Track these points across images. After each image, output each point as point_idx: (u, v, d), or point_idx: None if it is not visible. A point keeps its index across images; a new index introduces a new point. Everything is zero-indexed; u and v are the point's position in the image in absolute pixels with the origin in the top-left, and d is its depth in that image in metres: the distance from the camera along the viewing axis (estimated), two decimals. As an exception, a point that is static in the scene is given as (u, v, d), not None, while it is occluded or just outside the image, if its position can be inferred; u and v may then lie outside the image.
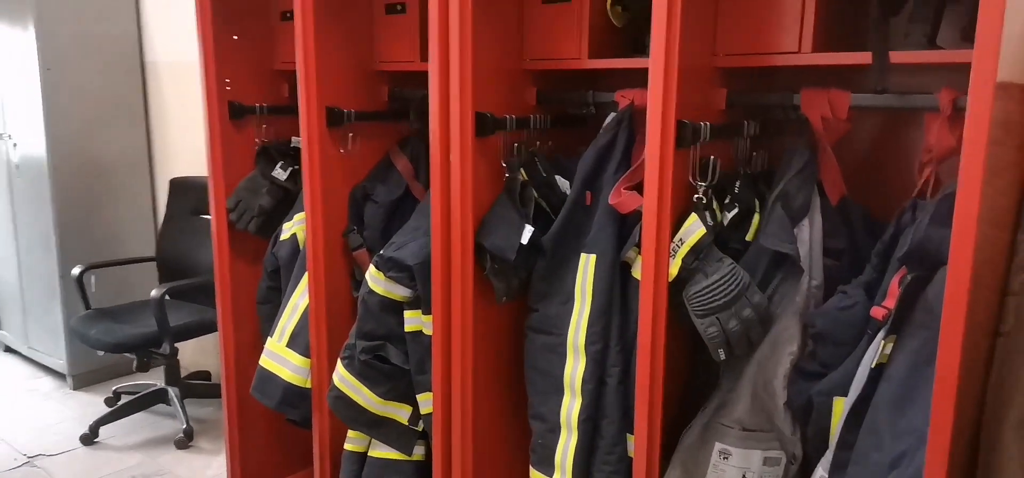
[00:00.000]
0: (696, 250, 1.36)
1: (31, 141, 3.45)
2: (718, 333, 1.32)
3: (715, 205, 1.42)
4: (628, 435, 1.63)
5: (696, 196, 1.39)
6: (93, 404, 3.42)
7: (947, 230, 1.13)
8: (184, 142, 3.53)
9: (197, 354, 3.65)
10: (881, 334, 1.24)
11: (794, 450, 1.44)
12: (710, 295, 1.33)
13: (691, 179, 1.39)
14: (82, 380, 3.61)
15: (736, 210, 1.45)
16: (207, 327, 3.12)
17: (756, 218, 1.47)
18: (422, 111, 2.03)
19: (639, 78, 1.68)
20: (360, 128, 2.02)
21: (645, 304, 1.36)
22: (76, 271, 3.19)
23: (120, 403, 3.28)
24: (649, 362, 1.37)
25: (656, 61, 1.26)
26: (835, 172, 1.39)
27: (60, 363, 3.60)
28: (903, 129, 1.48)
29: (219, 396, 3.41)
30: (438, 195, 1.65)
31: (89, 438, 3.05)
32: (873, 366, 1.22)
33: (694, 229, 1.37)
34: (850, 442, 1.27)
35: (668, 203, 1.31)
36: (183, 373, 3.32)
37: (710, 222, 1.38)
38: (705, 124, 1.35)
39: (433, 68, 1.60)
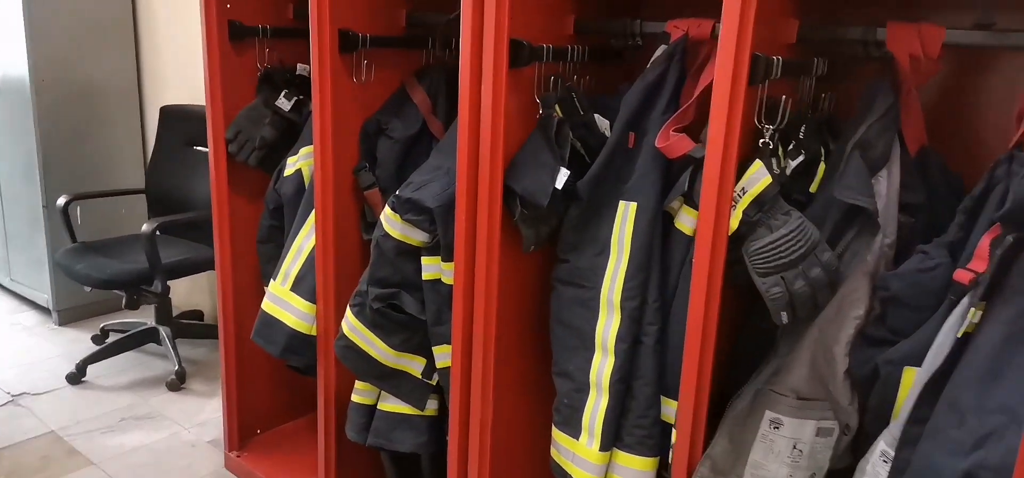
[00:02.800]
0: (759, 201, 1.23)
1: (12, 61, 3.24)
2: (782, 294, 1.19)
3: (780, 151, 1.27)
4: (664, 398, 1.52)
5: (762, 141, 1.25)
6: (80, 341, 3.29)
7: (1058, 187, 0.99)
8: (177, 67, 3.33)
9: (190, 292, 3.51)
10: (966, 300, 1.12)
11: (849, 421, 1.32)
12: (775, 252, 1.19)
13: (757, 121, 1.24)
14: (68, 316, 3.47)
15: (801, 157, 1.31)
16: (201, 265, 2.97)
17: (822, 167, 1.33)
18: (447, 38, 1.89)
19: (689, 6, 1.54)
20: (375, 55, 1.85)
21: (701, 261, 1.23)
22: (61, 201, 3.02)
23: (108, 341, 3.15)
24: (701, 325, 1.25)
25: (733, -16, 1.10)
26: (918, 119, 1.25)
27: (44, 297, 3.45)
28: (995, 72, 1.33)
29: (213, 337, 3.32)
30: (466, 131, 1.50)
31: (76, 377, 2.92)
32: (959, 335, 1.09)
33: (759, 177, 1.23)
34: (924, 417, 1.15)
35: (735, 147, 1.17)
36: (175, 312, 3.19)
37: (776, 170, 1.24)
38: (777, 59, 1.20)
39: (466, -13, 1.43)
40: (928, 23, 1.18)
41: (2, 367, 3.02)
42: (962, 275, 1.12)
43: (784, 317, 1.21)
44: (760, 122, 1.24)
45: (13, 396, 2.80)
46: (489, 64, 1.44)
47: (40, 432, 2.57)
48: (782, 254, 1.19)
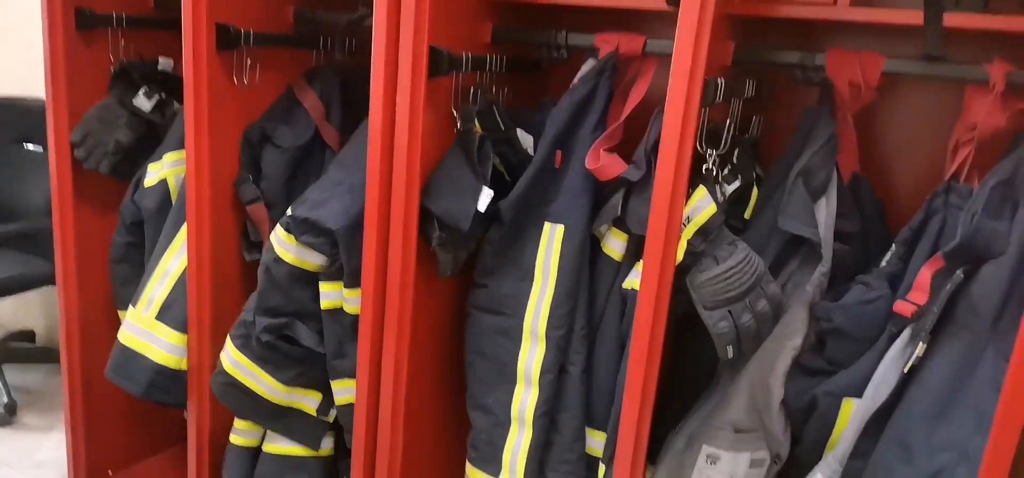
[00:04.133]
0: (705, 230, 1.17)
1: None
2: (729, 328, 1.14)
3: (720, 177, 1.23)
4: (589, 429, 1.44)
5: (705, 166, 1.19)
6: None
7: (1000, 223, 1.00)
8: (2, 54, 2.86)
9: (17, 309, 3.05)
10: (907, 333, 1.12)
11: (780, 450, 1.31)
12: (722, 284, 1.14)
13: (699, 146, 1.18)
14: None
15: (737, 183, 1.27)
16: (33, 281, 2.56)
17: (755, 193, 1.30)
18: (349, 39, 1.70)
19: (611, 19, 1.47)
20: (258, 54, 1.63)
21: (647, 293, 1.15)
22: None
23: (-86, 372, 2.65)
24: (644, 363, 1.17)
25: (690, 3, 1.03)
26: (852, 146, 1.25)
27: None
28: (929, 101, 1.35)
29: (47, 361, 2.89)
30: (378, 147, 1.34)
31: None
32: (904, 370, 1.09)
33: (702, 206, 1.17)
34: (866, 450, 1.14)
35: (685, 173, 1.10)
36: (0, 333, 2.74)
37: (720, 198, 1.18)
38: (721, 81, 1.14)
39: (382, -14, 1.27)
40: (869, 52, 1.16)
41: None
42: (903, 307, 1.12)
43: (730, 352, 1.16)
44: (702, 147, 1.19)
45: None
46: (406, 73, 1.29)
47: None
48: (730, 287, 1.14)
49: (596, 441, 1.43)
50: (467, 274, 1.48)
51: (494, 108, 1.43)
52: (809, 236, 1.15)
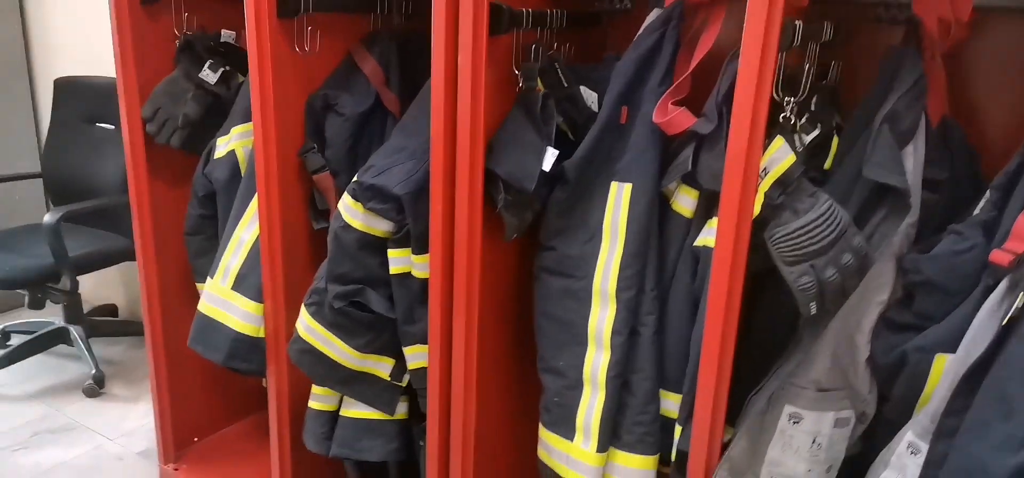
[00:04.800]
0: (783, 182, 1.12)
1: None
2: (812, 283, 1.09)
3: (798, 126, 1.17)
4: (663, 391, 1.42)
5: (783, 115, 1.13)
6: (-25, 346, 2.93)
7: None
8: (70, 34, 2.95)
9: (99, 285, 3.18)
10: (1005, 284, 1.05)
11: (866, 409, 1.25)
12: (804, 238, 1.09)
13: (776, 93, 1.12)
14: (-41, 317, 3.09)
15: (817, 132, 1.20)
16: (113, 257, 2.67)
17: (835, 141, 1.24)
18: (406, 1, 1.69)
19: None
20: (319, 20, 1.63)
21: (723, 249, 1.11)
22: (-57, 192, 2.65)
23: (12, 345, 2.81)
24: (722, 322, 1.13)
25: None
26: (941, 88, 1.17)
27: (-70, 298, 3.06)
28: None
29: (130, 334, 3.03)
30: (441, 109, 1.32)
31: (-25, 389, 2.60)
32: (1003, 322, 1.02)
33: (781, 156, 1.12)
34: (961, 408, 1.08)
35: (763, 122, 1.04)
36: (85, 308, 2.87)
37: (798, 147, 1.13)
38: (799, 23, 1.08)
39: (439, -56, 1.24)
40: (958, -17, 1.08)
41: None
42: (1000, 256, 1.04)
43: (813, 308, 1.11)
44: (779, 94, 1.13)
45: (-100, 416, 2.45)
46: (467, 32, 1.26)
47: (-63, 456, 2.26)
48: (812, 241, 1.08)
49: (671, 403, 1.40)
50: (533, 235, 1.46)
51: (556, 65, 1.39)
52: (896, 184, 1.09)
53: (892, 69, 1.14)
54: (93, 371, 2.63)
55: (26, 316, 3.08)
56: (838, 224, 1.09)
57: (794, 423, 1.23)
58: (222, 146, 1.81)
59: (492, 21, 1.27)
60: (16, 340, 2.86)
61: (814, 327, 1.18)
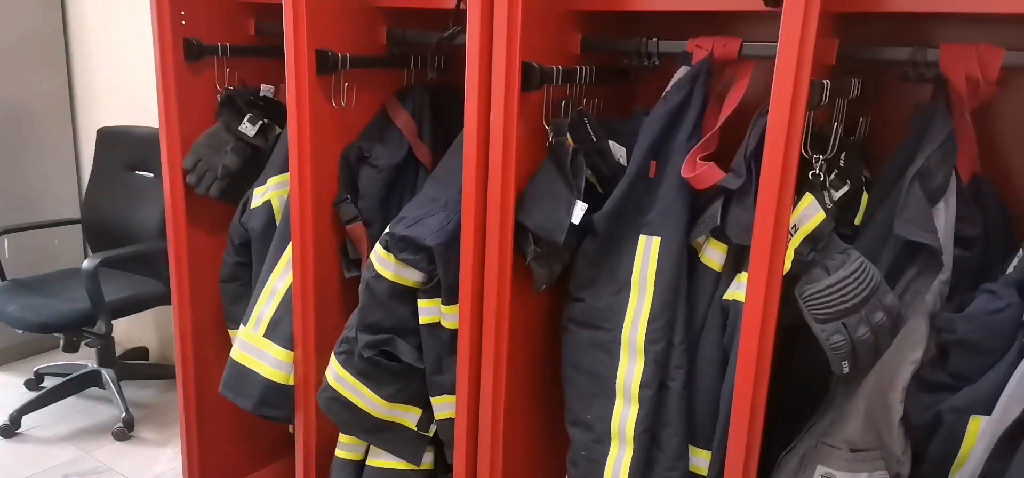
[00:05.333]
0: (813, 239, 1.12)
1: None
2: (844, 342, 1.09)
3: (827, 183, 1.17)
4: (692, 447, 1.40)
5: (812, 172, 1.14)
6: (11, 387, 2.98)
7: None
8: (113, 85, 3.06)
9: (132, 329, 3.24)
10: (1042, 344, 1.04)
11: (900, 470, 1.23)
12: (835, 296, 1.09)
13: (805, 151, 1.13)
14: (-4, 358, 3.15)
15: (846, 188, 1.21)
16: (147, 302, 2.72)
17: (865, 197, 1.24)
18: (438, 57, 1.74)
19: (702, 24, 1.43)
20: (354, 76, 1.68)
21: (753, 306, 1.11)
22: (-11, 236, 2.73)
23: (45, 387, 2.87)
24: (752, 378, 1.13)
25: (794, 1, 0.99)
26: (971, 144, 1.17)
27: (-31, 339, 3.13)
28: None
29: (161, 377, 3.06)
30: (474, 163, 1.35)
31: (10, 429, 2.64)
32: (1041, 384, 1.01)
33: (810, 213, 1.12)
34: (997, 471, 1.06)
35: (792, 179, 1.05)
36: (117, 351, 2.92)
37: (828, 204, 1.13)
38: (827, 82, 1.10)
39: (474, 5, 1.28)
40: (986, 44, 1.09)
41: (-78, 421, 2.70)
42: (1036, 316, 1.04)
43: (845, 367, 1.10)
44: (808, 151, 1.14)
45: (-64, 456, 2.50)
46: (499, 89, 1.30)
47: (-30, 497, 2.29)
48: (844, 298, 1.08)
49: (700, 459, 1.39)
50: (562, 287, 1.47)
51: (585, 119, 1.42)
52: (928, 242, 1.09)
53: (922, 126, 1.14)
54: (123, 414, 2.66)
55: (59, 358, 3.14)
56: (870, 282, 1.09)
57: (827, 483, 1.21)
58: (258, 196, 1.86)
59: (524, 78, 1.31)
60: (49, 382, 2.91)
61: (847, 385, 1.18)
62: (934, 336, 1.14)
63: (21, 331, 2.63)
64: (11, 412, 2.65)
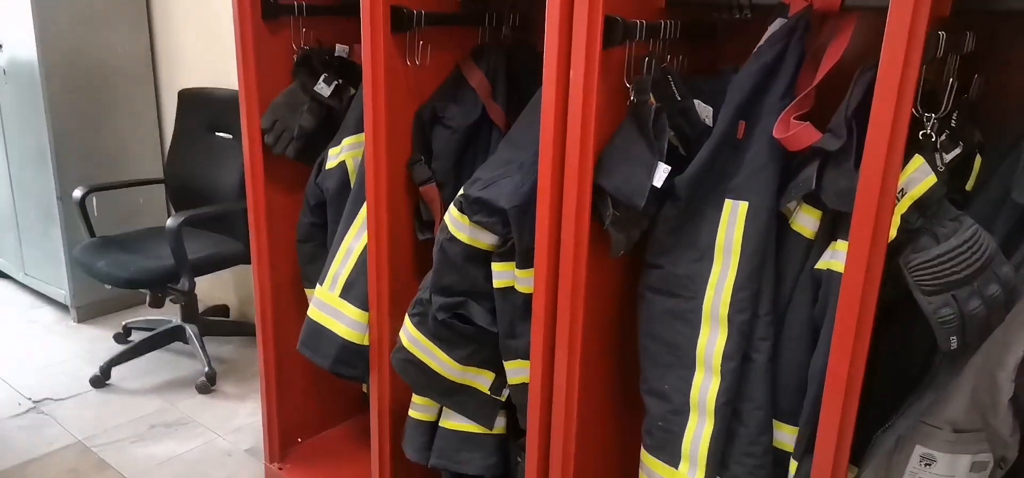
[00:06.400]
0: (922, 204, 1.04)
1: (19, 43, 3.04)
2: (954, 315, 1.01)
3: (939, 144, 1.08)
4: (776, 422, 1.35)
5: (922, 132, 1.05)
6: (101, 340, 3.13)
7: None
8: (194, 48, 3.13)
9: (213, 287, 3.35)
10: None
11: (1006, 453, 1.15)
12: (945, 266, 1.01)
13: (915, 110, 1.04)
14: (86, 312, 3.31)
15: (958, 150, 1.11)
16: (228, 260, 2.80)
17: (978, 161, 1.14)
18: (513, 15, 1.69)
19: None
20: (429, 34, 1.65)
21: (853, 276, 1.04)
22: (78, 194, 2.85)
23: (132, 341, 3.00)
24: (850, 353, 1.06)
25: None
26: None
27: (61, 293, 3.29)
28: None
29: (241, 334, 3.16)
30: (552, 123, 1.31)
31: (100, 380, 2.77)
32: None
33: (920, 176, 1.04)
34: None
35: (902, 139, 0.97)
36: (199, 308, 3.02)
37: (940, 167, 1.04)
38: (942, 34, 1.00)
39: (555, -44, 1.23)
40: None
41: (22, 370, 2.87)
42: None
43: (953, 342, 1.03)
44: (918, 110, 1.05)
45: (35, 403, 2.64)
46: (580, 44, 1.24)
47: (66, 443, 2.42)
48: (954, 269, 1.00)
49: (785, 435, 1.33)
50: (640, 252, 1.42)
51: (669, 77, 1.35)
52: (1053, 210, 0.99)
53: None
54: (206, 368, 2.76)
55: (146, 314, 3.27)
56: (984, 252, 1.00)
57: (926, 465, 1.14)
58: (333, 157, 1.86)
59: (606, 33, 1.25)
60: (136, 336, 3.04)
61: (952, 362, 1.09)
62: (1054, 313, 1.04)
63: (109, 286, 2.74)
64: (101, 364, 2.78)
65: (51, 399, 2.67)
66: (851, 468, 1.19)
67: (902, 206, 1.04)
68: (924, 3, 0.92)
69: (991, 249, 1.01)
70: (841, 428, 1.10)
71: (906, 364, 1.17)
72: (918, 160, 1.04)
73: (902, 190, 1.04)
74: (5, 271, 3.70)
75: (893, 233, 1.03)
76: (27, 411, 2.59)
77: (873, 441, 1.16)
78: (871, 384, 1.21)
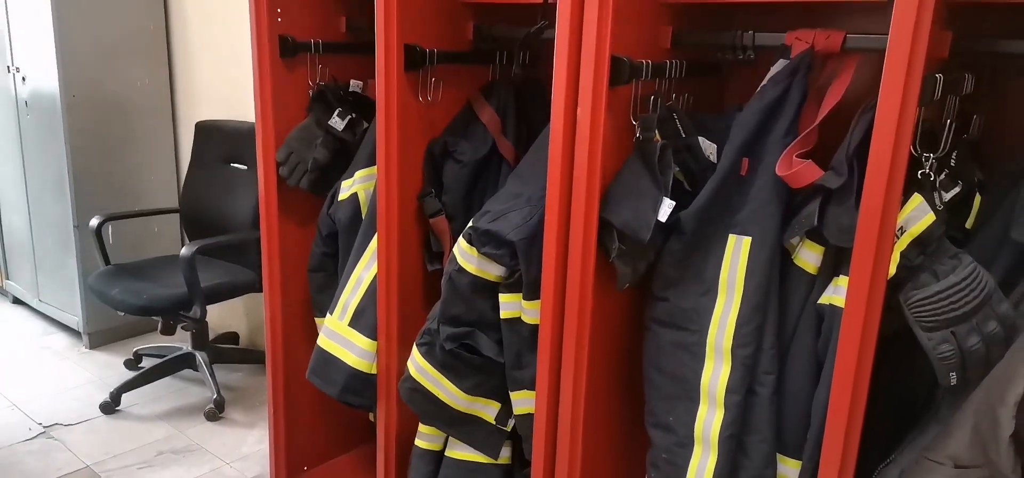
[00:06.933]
0: (921, 242, 1.06)
1: (42, 76, 3.12)
2: (953, 352, 1.03)
3: (937, 183, 1.11)
4: (780, 456, 1.36)
5: (921, 171, 1.08)
6: (112, 366, 3.16)
7: None
8: (211, 81, 3.20)
9: (223, 315, 3.38)
10: None
11: (1009, 489, 1.15)
12: (945, 303, 1.03)
13: (914, 150, 1.07)
14: (99, 339, 3.34)
15: (957, 189, 1.14)
16: (240, 288, 2.83)
17: (978, 200, 1.17)
18: (523, 53, 1.74)
19: (797, 16, 1.38)
20: (441, 72, 1.69)
21: (854, 311, 1.06)
22: (94, 222, 2.90)
23: (143, 367, 3.02)
24: (851, 388, 1.08)
25: (908, -11, 0.94)
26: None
27: (75, 320, 3.33)
28: None
29: (250, 362, 3.18)
30: (559, 158, 1.34)
31: (110, 406, 2.79)
32: None
33: (919, 214, 1.06)
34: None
35: (900, 178, 1.00)
36: (209, 335, 3.05)
37: (938, 205, 1.07)
38: (939, 76, 1.03)
39: (563, -2, 1.27)
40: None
41: (33, 395, 2.89)
42: None
43: (953, 378, 1.04)
44: (917, 149, 1.08)
45: (45, 428, 2.66)
46: (587, 83, 1.28)
47: (74, 468, 2.43)
48: (954, 306, 1.02)
49: (789, 469, 1.34)
50: (645, 286, 1.44)
51: (674, 115, 1.39)
52: (1050, 248, 1.01)
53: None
54: (215, 395, 2.77)
55: (157, 340, 3.30)
56: (983, 289, 1.02)
57: (928, 501, 1.14)
58: (346, 189, 1.90)
59: (613, 73, 1.29)
60: (147, 363, 3.06)
61: (954, 398, 1.11)
62: (1054, 350, 1.06)
63: (122, 313, 2.78)
64: (112, 390, 2.80)
65: (61, 424, 2.69)
66: (854, 502, 1.19)
67: (901, 243, 1.06)
68: (921, 45, 0.95)
69: (990, 287, 1.03)
70: (842, 462, 1.11)
71: (909, 399, 1.18)
72: (917, 199, 1.06)
73: (901, 228, 1.06)
74: (20, 298, 3.74)
75: (893, 270, 1.05)
76: (37, 436, 2.61)
77: (875, 475, 1.16)
78: (874, 419, 1.22)
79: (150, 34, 3.26)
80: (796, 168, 1.23)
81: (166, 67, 3.34)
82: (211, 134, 3.02)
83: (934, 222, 1.05)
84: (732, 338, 1.32)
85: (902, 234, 1.06)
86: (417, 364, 1.62)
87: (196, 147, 3.07)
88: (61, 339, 3.43)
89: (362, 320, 1.78)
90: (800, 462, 1.30)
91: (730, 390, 1.33)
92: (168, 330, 2.74)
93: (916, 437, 1.14)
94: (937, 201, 1.07)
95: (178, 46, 3.31)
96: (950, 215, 1.15)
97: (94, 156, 3.18)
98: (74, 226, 3.17)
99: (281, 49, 1.90)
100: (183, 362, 2.97)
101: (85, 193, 3.16)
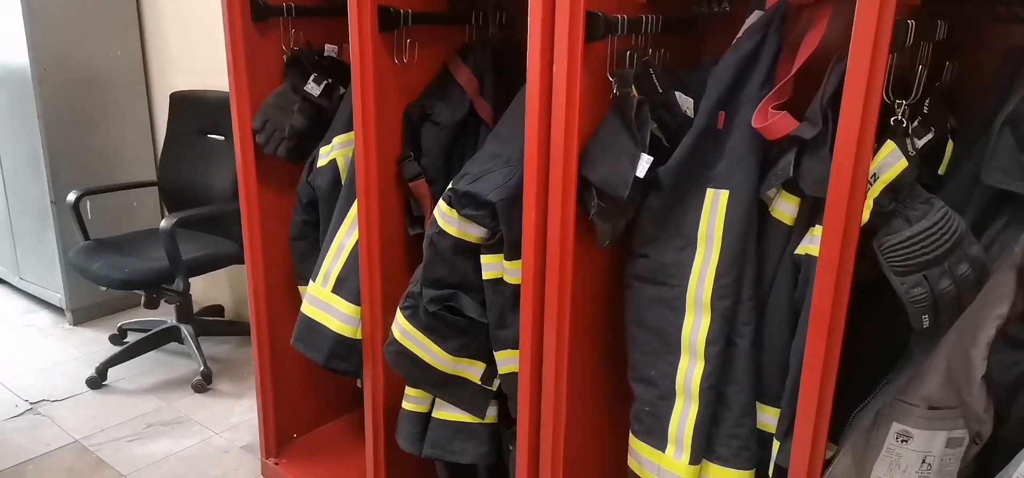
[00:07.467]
0: (894, 188, 1.07)
1: (11, 49, 3.06)
2: (925, 294, 1.04)
3: (910, 130, 1.12)
4: (760, 404, 1.38)
5: (894, 118, 1.09)
6: (97, 341, 3.15)
7: None
8: (184, 51, 3.15)
9: (208, 288, 3.37)
10: None
11: (981, 429, 1.18)
12: (916, 247, 1.04)
13: (886, 96, 1.08)
14: (82, 315, 3.33)
15: (929, 136, 1.15)
16: (222, 260, 2.82)
17: (950, 146, 1.18)
18: (500, 12, 1.72)
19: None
20: (417, 33, 1.68)
21: (828, 259, 1.07)
22: (72, 197, 2.87)
23: (128, 342, 3.02)
24: (825, 334, 1.09)
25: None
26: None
27: (57, 297, 3.31)
28: None
29: (235, 334, 3.19)
30: (536, 117, 1.34)
31: (97, 381, 2.79)
32: None
33: (892, 161, 1.07)
34: (1091, 432, 1.01)
35: (873, 125, 1.00)
36: (194, 308, 3.04)
37: (911, 152, 1.08)
38: (911, 22, 1.04)
39: (537, -47, 1.26)
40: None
41: (19, 373, 2.88)
42: None
43: (926, 321, 1.06)
44: (890, 96, 1.08)
45: (32, 404, 2.66)
46: (562, 40, 1.27)
47: (63, 442, 2.44)
48: (925, 250, 1.03)
49: (768, 416, 1.36)
50: (626, 243, 1.45)
51: (651, 70, 1.38)
52: (1018, 191, 1.03)
53: (1013, 70, 1.07)
54: (201, 368, 2.78)
55: (141, 315, 3.29)
56: (954, 233, 1.04)
57: (902, 442, 1.17)
58: (324, 155, 1.89)
59: (588, 28, 1.28)
60: (132, 337, 3.06)
61: (926, 341, 1.13)
62: (1022, 290, 1.08)
63: (104, 288, 2.76)
64: (98, 365, 2.80)
65: (48, 400, 2.69)
66: (830, 446, 1.22)
67: (874, 190, 1.07)
68: (891, -12, 0.95)
69: (961, 230, 1.04)
70: (819, 407, 1.13)
71: (883, 344, 1.21)
72: (890, 146, 1.07)
73: (874, 175, 1.07)
74: (1, 276, 3.71)
75: (866, 217, 1.06)
76: (24, 412, 2.61)
77: (851, 419, 1.19)
78: (851, 365, 1.25)
79: (120, 5, 3.20)
80: (771, 119, 1.23)
81: (138, 38, 3.29)
82: (186, 105, 2.98)
83: (907, 168, 1.06)
84: (711, 290, 1.33)
85: (875, 181, 1.07)
86: (401, 327, 1.63)
87: (172, 118, 3.03)
88: (44, 316, 3.41)
89: (345, 286, 1.78)
90: (778, 409, 1.32)
91: (710, 342, 1.34)
92: (152, 304, 2.73)
93: (890, 380, 1.16)
94: (910, 147, 1.08)
95: (149, 15, 3.25)
96: (923, 162, 1.16)
97: (69, 130, 3.14)
98: (51, 202, 3.14)
99: (253, 13, 1.87)
100: (168, 336, 2.97)
101: (61, 168, 3.13)
